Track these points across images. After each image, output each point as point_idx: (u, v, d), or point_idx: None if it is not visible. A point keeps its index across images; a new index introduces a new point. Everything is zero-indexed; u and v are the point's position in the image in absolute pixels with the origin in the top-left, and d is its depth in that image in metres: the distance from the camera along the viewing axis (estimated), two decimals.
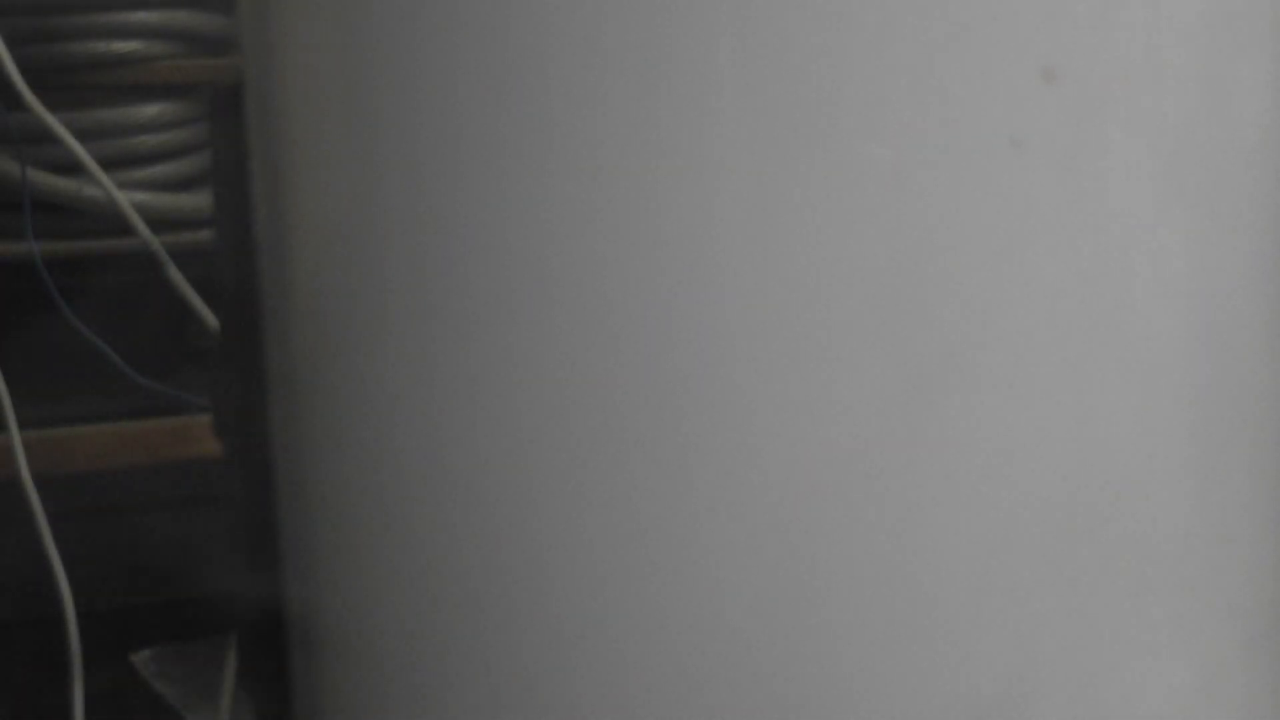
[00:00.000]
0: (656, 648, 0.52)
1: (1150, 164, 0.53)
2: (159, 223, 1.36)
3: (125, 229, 1.33)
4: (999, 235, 0.51)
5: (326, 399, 0.58)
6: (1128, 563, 0.54)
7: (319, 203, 0.57)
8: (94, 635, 1.21)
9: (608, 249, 0.51)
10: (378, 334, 0.56)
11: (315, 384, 0.59)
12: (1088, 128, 0.52)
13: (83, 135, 1.34)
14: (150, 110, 1.42)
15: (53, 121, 1.30)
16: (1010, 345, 0.51)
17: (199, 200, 1.43)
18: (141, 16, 1.41)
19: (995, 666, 0.52)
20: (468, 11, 0.52)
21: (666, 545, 0.52)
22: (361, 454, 0.57)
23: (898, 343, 0.51)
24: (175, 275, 1.29)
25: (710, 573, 0.52)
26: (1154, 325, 0.53)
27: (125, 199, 1.33)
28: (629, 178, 0.51)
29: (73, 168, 1.34)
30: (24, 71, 1.30)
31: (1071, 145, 0.51)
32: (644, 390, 0.51)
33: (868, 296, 0.51)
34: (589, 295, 0.51)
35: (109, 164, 1.36)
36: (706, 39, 0.50)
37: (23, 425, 1.25)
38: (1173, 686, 0.55)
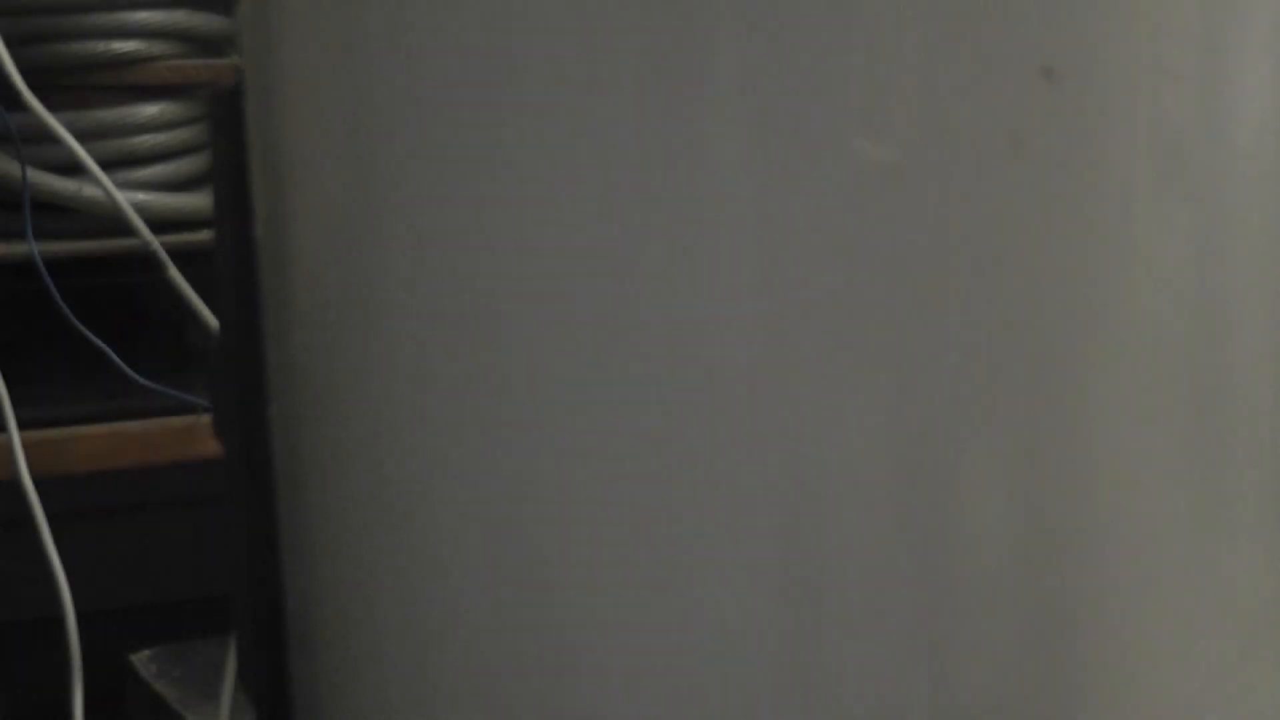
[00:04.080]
0: (658, 649, 0.52)
1: (1150, 164, 0.53)
2: (159, 223, 1.36)
3: (125, 229, 1.32)
4: (999, 235, 0.51)
5: (326, 399, 0.58)
6: (1128, 562, 0.54)
7: (319, 203, 0.58)
8: (94, 635, 1.21)
9: (606, 248, 0.51)
10: (378, 333, 0.56)
11: (315, 384, 0.59)
12: (1088, 128, 0.52)
13: (83, 135, 1.34)
14: (150, 110, 1.42)
15: (53, 121, 1.30)
16: (1010, 345, 0.51)
17: (199, 200, 1.43)
18: (141, 16, 1.41)
19: (995, 667, 0.52)
20: (467, 10, 0.52)
21: (669, 546, 0.52)
22: (361, 453, 0.57)
23: (896, 342, 0.51)
24: (175, 275, 1.29)
25: (712, 574, 0.52)
26: (1154, 325, 0.53)
27: (125, 199, 1.33)
28: (629, 176, 0.51)
29: (73, 168, 1.34)
30: (24, 71, 1.30)
31: (1071, 145, 0.51)
32: (645, 391, 0.51)
33: (866, 296, 0.51)
34: (588, 295, 0.52)
35: (109, 164, 1.36)
36: (707, 39, 0.50)
37: (23, 425, 1.25)
38: (1173, 687, 0.55)
